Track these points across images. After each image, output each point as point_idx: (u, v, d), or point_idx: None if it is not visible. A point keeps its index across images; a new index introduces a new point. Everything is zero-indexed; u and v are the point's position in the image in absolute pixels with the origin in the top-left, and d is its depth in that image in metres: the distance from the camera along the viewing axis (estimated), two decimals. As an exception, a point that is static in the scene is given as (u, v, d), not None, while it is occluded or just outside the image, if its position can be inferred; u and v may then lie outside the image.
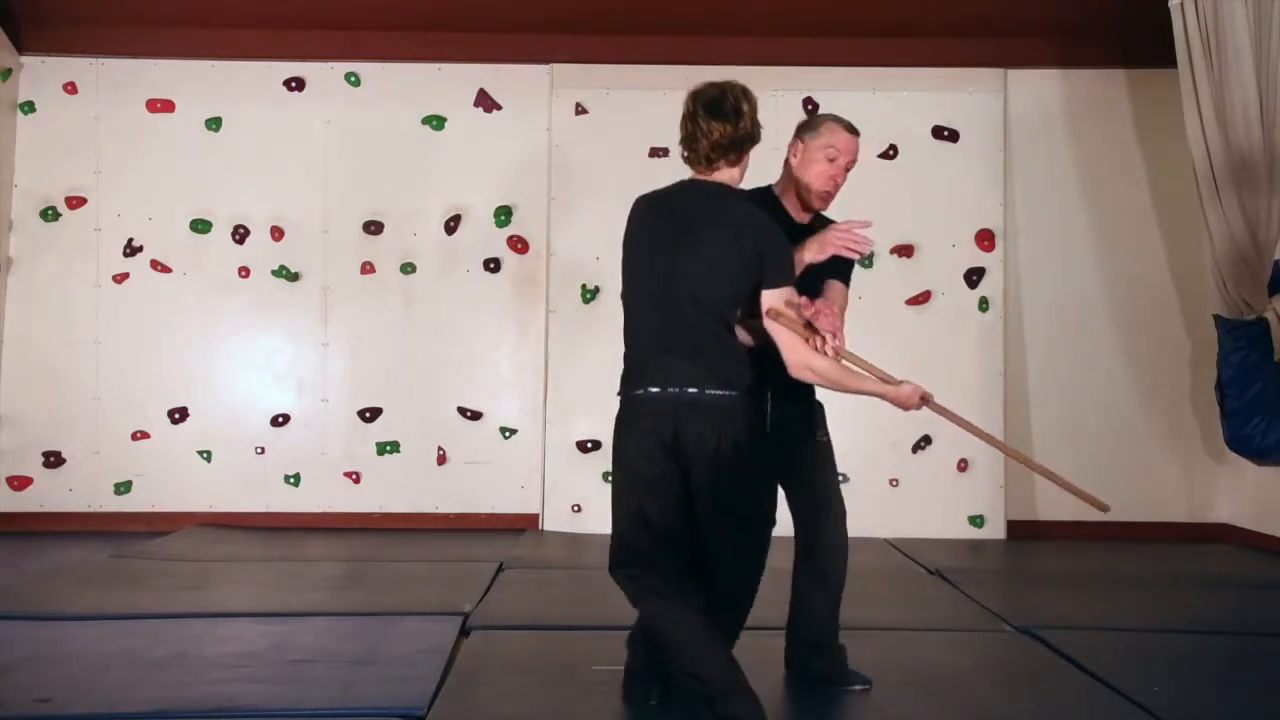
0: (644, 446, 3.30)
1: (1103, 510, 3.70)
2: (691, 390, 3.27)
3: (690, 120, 3.43)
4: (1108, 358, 7.16)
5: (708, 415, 3.26)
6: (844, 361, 3.42)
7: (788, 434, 3.70)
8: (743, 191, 3.52)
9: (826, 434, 3.82)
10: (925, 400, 3.45)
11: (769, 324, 3.34)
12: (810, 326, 3.35)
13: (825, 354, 3.34)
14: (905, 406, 3.48)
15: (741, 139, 3.40)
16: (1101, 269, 7.18)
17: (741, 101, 3.39)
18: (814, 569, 3.78)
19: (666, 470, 3.30)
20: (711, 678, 3.20)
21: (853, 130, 3.76)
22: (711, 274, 3.32)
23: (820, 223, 3.79)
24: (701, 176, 3.46)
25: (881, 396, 3.48)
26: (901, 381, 3.46)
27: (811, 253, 3.56)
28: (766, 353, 3.43)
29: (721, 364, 3.31)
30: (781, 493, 3.78)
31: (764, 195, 3.80)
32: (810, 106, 7.05)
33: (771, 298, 3.33)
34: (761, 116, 3.47)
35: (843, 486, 3.83)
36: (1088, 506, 3.93)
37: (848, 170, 3.76)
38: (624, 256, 3.49)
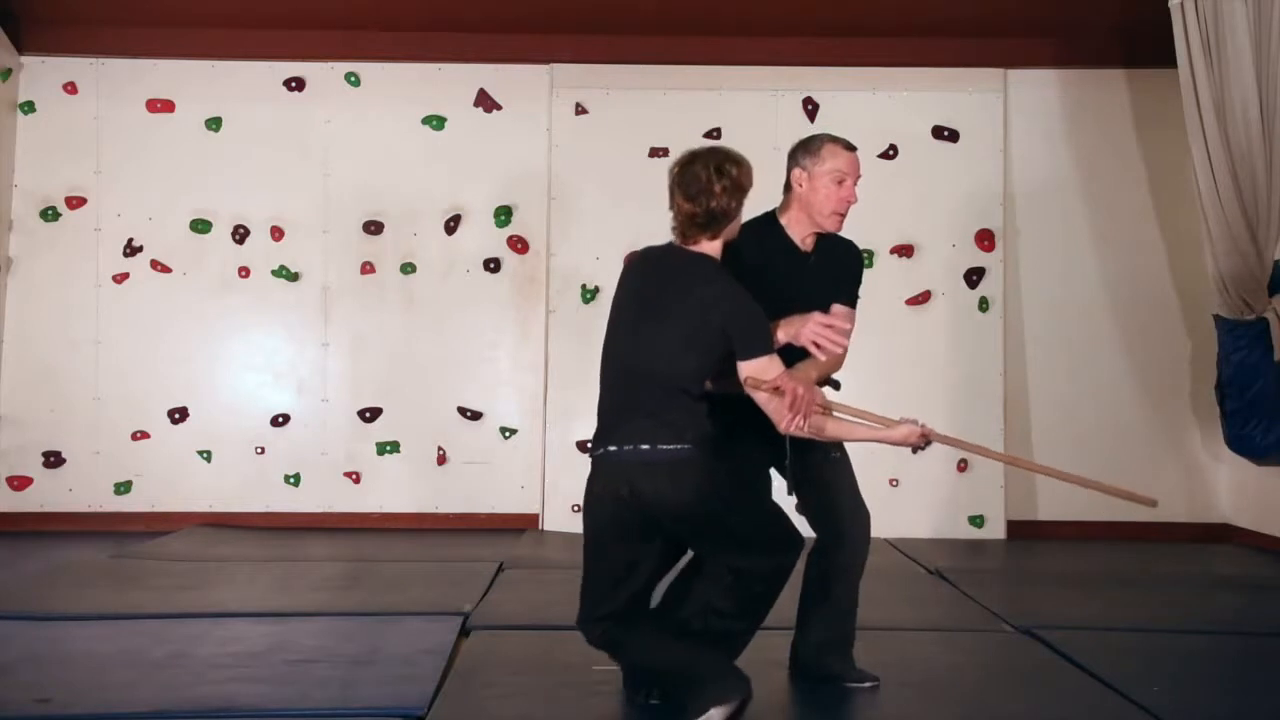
0: (604, 503, 3.40)
1: (1150, 505, 3.65)
2: (644, 447, 3.35)
3: (670, 192, 3.48)
4: (1108, 358, 7.16)
5: (661, 470, 3.33)
6: (835, 413, 3.48)
7: (800, 454, 3.71)
8: (717, 263, 3.49)
9: (841, 449, 3.81)
10: (927, 436, 3.47)
11: (750, 391, 3.41)
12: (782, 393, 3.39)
13: (803, 421, 3.37)
14: (907, 446, 3.52)
15: (715, 217, 3.43)
16: (1101, 269, 7.18)
17: (714, 181, 3.39)
18: (833, 571, 3.78)
19: (629, 524, 3.38)
20: (696, 671, 3.28)
21: (851, 147, 3.78)
22: (676, 350, 3.38)
23: (822, 252, 3.80)
24: (682, 245, 3.50)
25: (879, 442, 3.53)
26: (898, 422, 3.48)
27: (784, 334, 3.55)
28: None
29: (676, 420, 3.37)
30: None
31: (768, 222, 3.81)
32: (810, 106, 7.06)
33: (747, 368, 3.38)
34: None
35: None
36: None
37: (855, 186, 3.77)
38: (609, 318, 3.56)
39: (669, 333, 3.39)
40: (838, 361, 3.75)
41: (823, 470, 3.76)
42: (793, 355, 3.54)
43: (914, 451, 3.58)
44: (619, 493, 3.36)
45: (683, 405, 3.39)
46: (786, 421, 3.36)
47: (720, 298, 3.38)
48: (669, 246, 3.54)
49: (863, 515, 3.81)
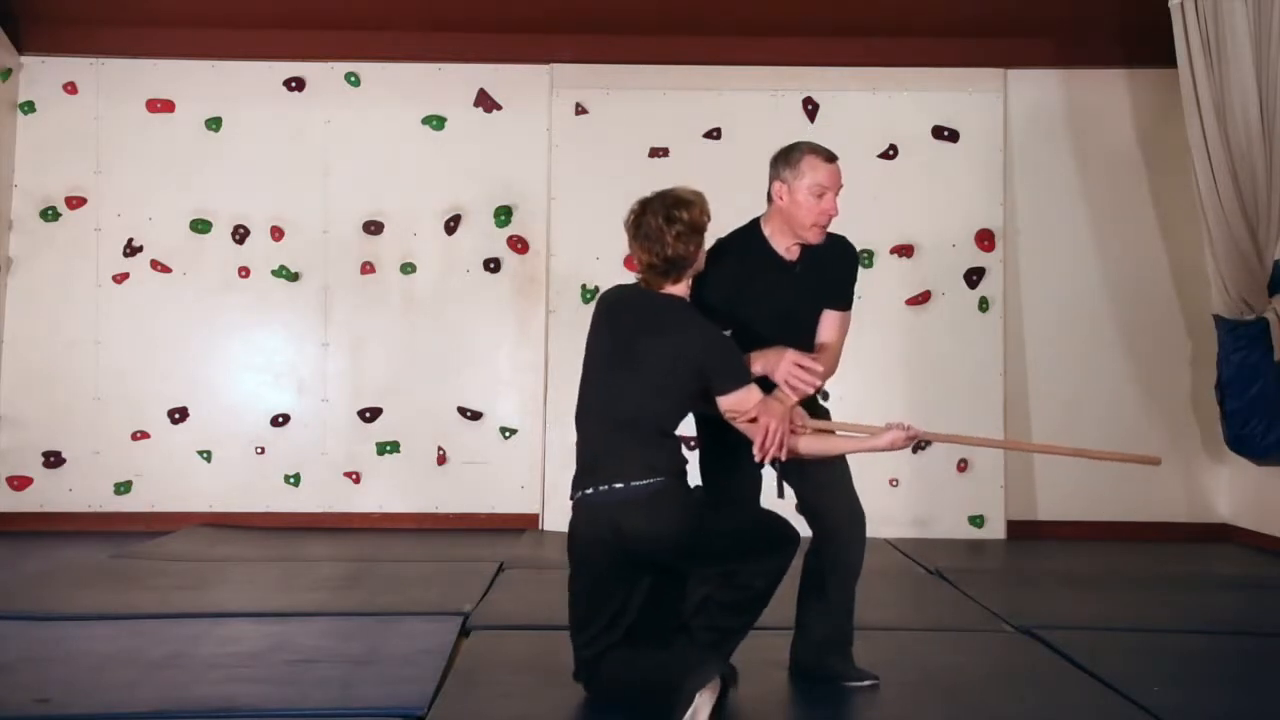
0: (589, 546, 3.46)
1: (1155, 464, 3.78)
2: (618, 486, 3.41)
3: (629, 243, 3.53)
4: (1108, 358, 7.16)
5: (637, 505, 3.39)
6: (818, 429, 3.56)
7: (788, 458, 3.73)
8: (687, 303, 3.55)
9: None
10: (914, 437, 3.52)
11: (730, 421, 3.48)
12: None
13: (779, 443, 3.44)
14: (895, 449, 3.58)
15: (674, 264, 3.47)
16: (1101, 269, 7.18)
17: (665, 231, 3.42)
18: (829, 570, 3.78)
19: (615, 565, 3.43)
20: (669, 670, 3.27)
21: (831, 158, 3.71)
22: (650, 394, 3.45)
23: (809, 259, 3.77)
24: (651, 288, 3.54)
25: (865, 451, 3.60)
26: (883, 429, 3.54)
27: (759, 366, 3.58)
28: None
29: (648, 456, 3.43)
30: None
31: (751, 232, 3.80)
32: (810, 106, 7.06)
33: (725, 402, 3.46)
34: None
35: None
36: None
37: (836, 197, 3.71)
38: (584, 361, 3.62)
39: (642, 378, 3.45)
40: (830, 368, 3.74)
41: (818, 470, 3.75)
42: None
43: (914, 450, 3.64)
44: (601, 535, 3.42)
45: (657, 443, 3.46)
46: (758, 454, 3.43)
47: (692, 340, 3.45)
48: (638, 289, 3.58)
49: (858, 514, 3.80)
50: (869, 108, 7.12)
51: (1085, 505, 7.10)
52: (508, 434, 7.13)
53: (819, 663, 3.80)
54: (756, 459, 3.46)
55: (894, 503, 6.88)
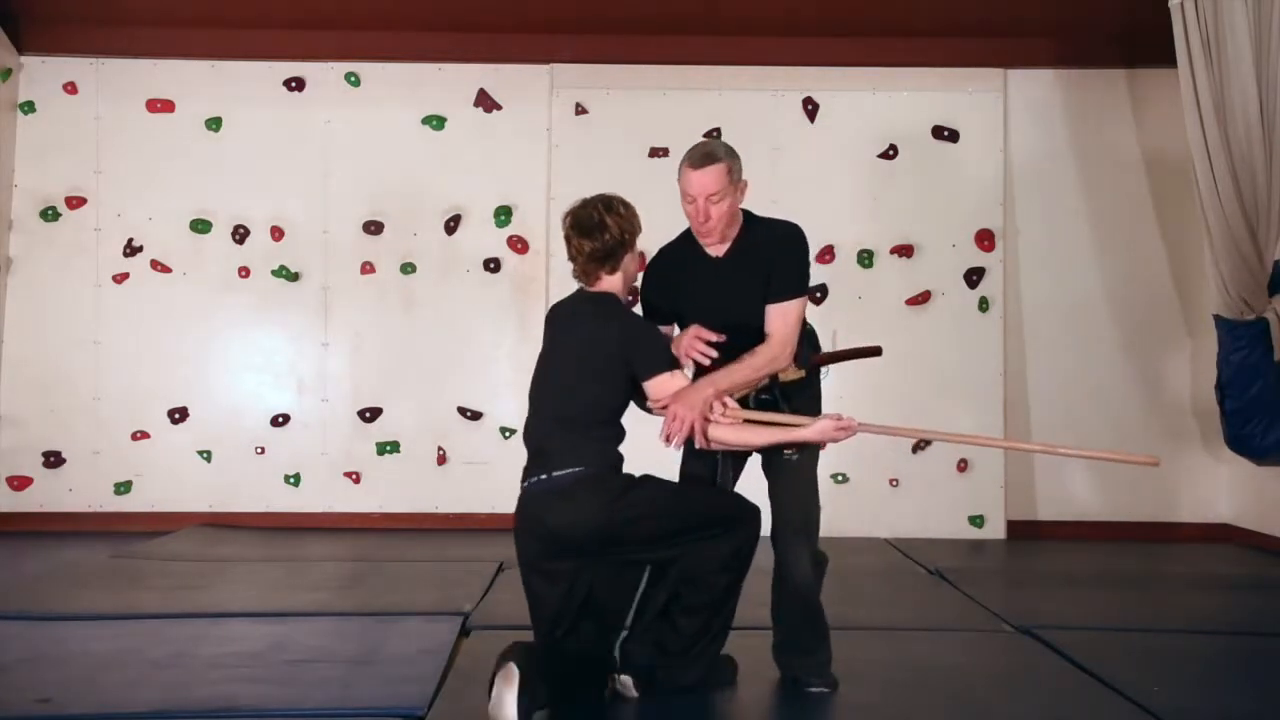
0: (524, 537, 3.55)
1: (1153, 465, 3.84)
2: (543, 477, 3.51)
3: (566, 240, 3.64)
4: (1108, 358, 7.16)
5: (556, 495, 3.46)
6: (746, 418, 3.58)
7: (762, 452, 3.75)
8: (616, 297, 3.66)
9: (799, 449, 3.72)
10: (846, 427, 3.51)
11: (652, 409, 3.58)
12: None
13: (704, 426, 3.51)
14: (825, 439, 3.57)
15: (611, 249, 3.60)
16: (1101, 268, 7.18)
17: (604, 216, 3.59)
18: (779, 575, 3.77)
19: (551, 555, 3.49)
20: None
21: (704, 162, 3.68)
22: (580, 384, 3.54)
23: (739, 253, 3.76)
24: (587, 288, 3.68)
25: (796, 440, 3.60)
26: (816, 419, 3.56)
27: (675, 349, 3.65)
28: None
29: (576, 447, 3.50)
30: None
31: (684, 235, 3.88)
32: (810, 106, 7.06)
33: (647, 388, 3.55)
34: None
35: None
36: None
37: (711, 201, 3.68)
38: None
39: (572, 371, 3.56)
40: (771, 358, 3.69)
41: (775, 467, 3.76)
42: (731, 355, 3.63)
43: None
44: (532, 527, 3.51)
45: (587, 435, 3.52)
46: (662, 438, 3.50)
47: (613, 328, 3.56)
48: (575, 295, 3.72)
49: (795, 514, 3.73)
50: (869, 108, 7.12)
51: (1085, 505, 7.10)
52: (508, 434, 7.12)
53: (787, 664, 3.81)
54: (663, 442, 3.51)
55: (894, 503, 6.86)
